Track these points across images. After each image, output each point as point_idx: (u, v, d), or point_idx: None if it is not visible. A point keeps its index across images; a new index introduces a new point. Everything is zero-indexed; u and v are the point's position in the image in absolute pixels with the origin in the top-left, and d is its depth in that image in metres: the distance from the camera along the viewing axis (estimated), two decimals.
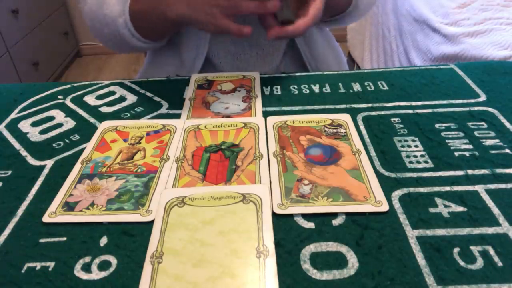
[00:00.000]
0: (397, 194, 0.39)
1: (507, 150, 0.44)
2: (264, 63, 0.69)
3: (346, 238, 0.35)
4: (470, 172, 0.42)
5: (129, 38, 0.59)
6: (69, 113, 0.54)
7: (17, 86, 0.62)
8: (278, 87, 0.58)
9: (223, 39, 0.66)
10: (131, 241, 0.35)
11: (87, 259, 0.34)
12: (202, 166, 0.43)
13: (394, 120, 0.50)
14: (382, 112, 0.52)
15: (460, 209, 0.37)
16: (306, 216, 0.37)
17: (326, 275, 0.32)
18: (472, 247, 0.34)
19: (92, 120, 0.53)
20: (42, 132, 0.51)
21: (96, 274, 0.33)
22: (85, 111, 0.55)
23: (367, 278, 0.32)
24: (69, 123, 0.52)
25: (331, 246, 0.34)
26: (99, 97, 0.58)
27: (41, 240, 0.36)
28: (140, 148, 0.47)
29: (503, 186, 0.40)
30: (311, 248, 0.34)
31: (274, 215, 0.37)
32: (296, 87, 0.58)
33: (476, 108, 0.52)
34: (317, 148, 0.45)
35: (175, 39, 0.68)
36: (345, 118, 0.50)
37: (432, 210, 0.37)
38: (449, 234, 0.35)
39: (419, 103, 0.53)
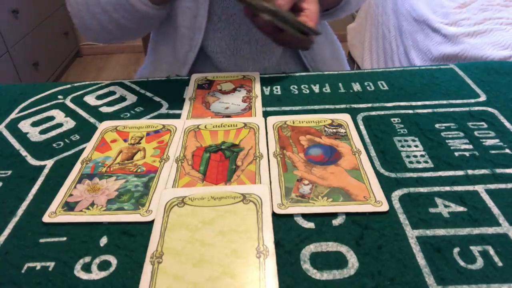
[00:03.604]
0: (397, 194, 0.39)
1: (507, 150, 0.44)
2: (264, 59, 0.68)
3: (346, 238, 0.35)
4: (470, 172, 0.42)
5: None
6: (69, 113, 0.54)
7: (17, 86, 0.62)
8: (278, 87, 0.58)
9: (222, 35, 0.66)
10: (131, 241, 0.35)
11: (87, 259, 0.34)
12: (202, 166, 0.43)
13: (394, 120, 0.50)
14: (382, 112, 0.52)
15: (460, 209, 0.37)
16: (306, 216, 0.37)
17: (326, 275, 0.32)
18: (472, 247, 0.34)
19: (92, 120, 0.53)
20: (42, 132, 0.51)
21: (96, 274, 0.33)
22: (85, 111, 0.55)
23: (367, 278, 0.32)
24: (69, 123, 0.52)
25: (331, 246, 0.34)
26: (99, 97, 0.58)
27: (41, 240, 0.36)
28: (140, 148, 0.47)
29: (503, 186, 0.40)
30: (311, 248, 0.34)
31: (274, 215, 0.37)
32: (296, 87, 0.58)
33: (476, 108, 0.52)
34: (317, 148, 0.45)
35: (171, 34, 0.67)
36: (345, 118, 0.50)
37: (432, 210, 0.37)
38: (449, 234, 0.35)
39: (419, 103, 0.53)
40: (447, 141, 0.46)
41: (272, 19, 0.47)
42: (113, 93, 0.58)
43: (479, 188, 0.40)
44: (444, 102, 0.53)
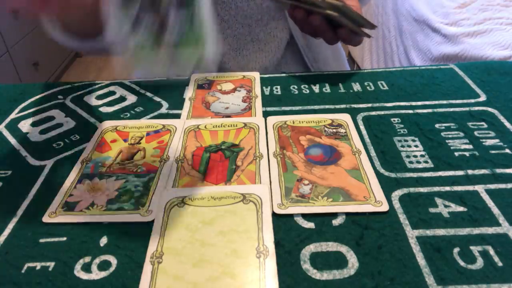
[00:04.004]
0: (397, 194, 0.39)
1: (507, 150, 0.44)
2: (265, 58, 0.69)
3: (346, 238, 0.35)
4: (470, 172, 0.42)
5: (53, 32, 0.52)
6: (69, 113, 0.54)
7: (17, 86, 0.62)
8: (278, 87, 0.58)
9: (225, 35, 0.66)
10: (131, 241, 0.35)
11: (87, 259, 0.34)
12: (202, 166, 0.43)
13: (394, 120, 0.50)
14: (382, 112, 0.52)
15: (460, 209, 0.37)
16: (306, 216, 0.37)
17: (326, 275, 0.32)
18: (472, 247, 0.34)
19: (92, 120, 0.53)
20: (42, 132, 0.51)
21: (96, 274, 0.33)
22: (85, 111, 0.55)
23: (367, 278, 0.32)
24: (69, 123, 0.52)
25: (331, 246, 0.34)
26: (99, 97, 0.58)
27: (41, 240, 0.36)
28: (140, 148, 0.47)
29: (503, 186, 0.40)
30: (311, 248, 0.34)
31: (274, 215, 0.37)
32: (296, 87, 0.58)
33: (476, 108, 0.52)
34: (317, 148, 0.45)
35: None
36: (345, 118, 0.50)
37: (432, 210, 0.37)
38: (449, 234, 0.35)
39: (419, 103, 0.53)
40: (447, 141, 0.46)
41: (337, 15, 0.46)
42: (113, 93, 0.58)
43: (479, 188, 0.40)
44: (444, 102, 0.53)
